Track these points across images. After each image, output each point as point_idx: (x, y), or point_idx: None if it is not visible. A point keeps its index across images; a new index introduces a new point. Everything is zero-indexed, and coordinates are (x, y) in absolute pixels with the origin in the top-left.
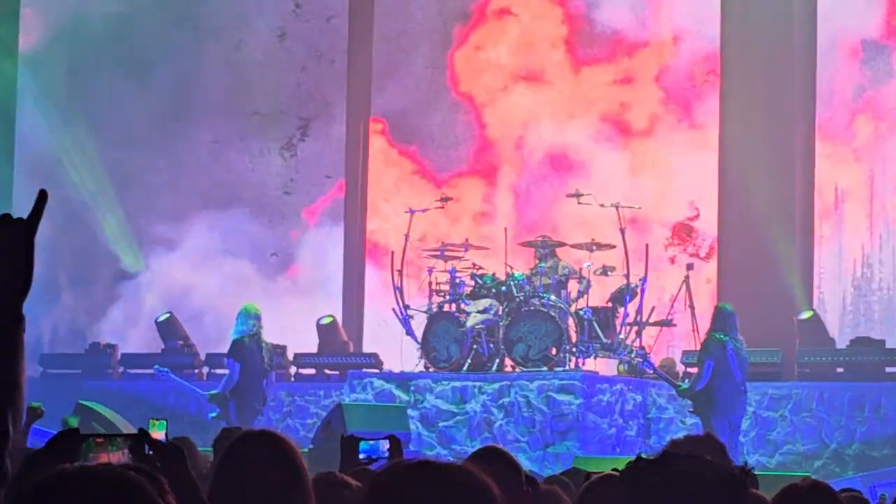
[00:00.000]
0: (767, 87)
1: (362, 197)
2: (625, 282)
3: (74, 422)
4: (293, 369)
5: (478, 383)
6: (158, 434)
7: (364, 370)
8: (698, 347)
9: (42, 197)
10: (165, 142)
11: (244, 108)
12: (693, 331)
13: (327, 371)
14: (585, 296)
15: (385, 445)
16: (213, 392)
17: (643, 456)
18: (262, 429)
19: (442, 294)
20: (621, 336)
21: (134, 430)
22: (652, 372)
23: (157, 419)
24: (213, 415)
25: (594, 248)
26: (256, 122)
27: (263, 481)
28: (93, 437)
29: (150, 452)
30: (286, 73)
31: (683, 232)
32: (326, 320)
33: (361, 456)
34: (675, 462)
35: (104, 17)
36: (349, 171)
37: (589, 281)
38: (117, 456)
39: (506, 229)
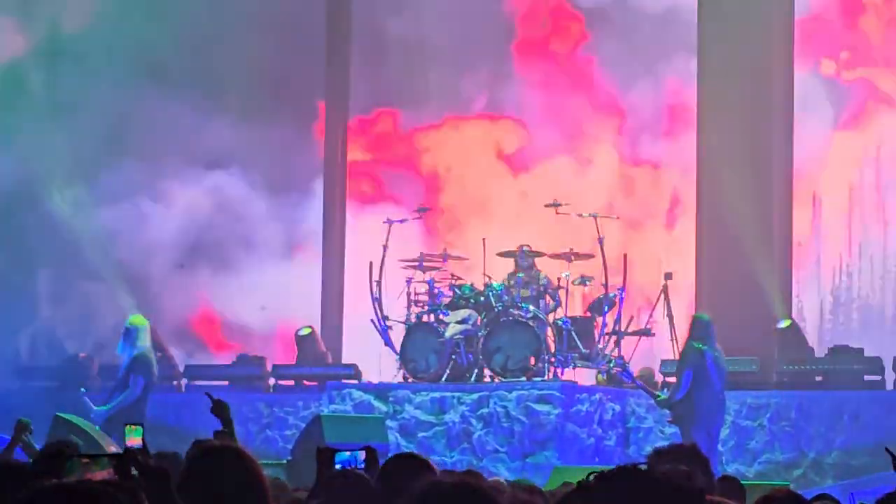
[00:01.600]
0: (745, 95)
1: (341, 198)
2: (603, 291)
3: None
4: (272, 380)
5: (457, 394)
6: (135, 440)
7: (343, 381)
8: (677, 357)
9: None
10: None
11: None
12: (671, 340)
13: (306, 382)
14: (560, 307)
15: (361, 456)
16: (107, 407)
17: (616, 468)
18: (224, 444)
19: (420, 304)
20: (600, 346)
21: (112, 442)
22: (631, 382)
23: (134, 425)
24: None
25: (572, 257)
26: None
27: (224, 497)
28: (78, 456)
29: (136, 473)
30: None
31: None
32: (305, 331)
33: (337, 467)
34: (635, 476)
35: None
36: (327, 177)
37: (558, 295)
38: (102, 475)
39: (484, 239)
